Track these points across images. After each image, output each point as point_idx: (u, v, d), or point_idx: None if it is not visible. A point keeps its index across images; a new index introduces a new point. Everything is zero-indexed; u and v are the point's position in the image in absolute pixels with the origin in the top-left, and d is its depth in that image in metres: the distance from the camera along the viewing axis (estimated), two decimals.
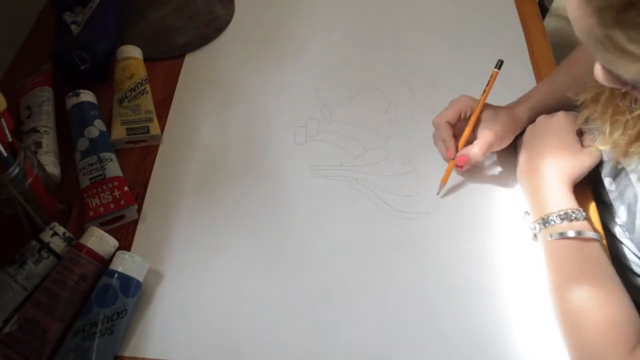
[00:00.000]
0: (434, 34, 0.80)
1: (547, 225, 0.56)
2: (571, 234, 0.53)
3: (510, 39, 0.79)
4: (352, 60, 0.78)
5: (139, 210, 0.63)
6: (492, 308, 0.55)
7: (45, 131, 0.66)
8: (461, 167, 0.62)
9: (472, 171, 0.65)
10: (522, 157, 0.62)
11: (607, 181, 0.60)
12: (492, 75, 0.62)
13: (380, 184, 0.65)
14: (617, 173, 0.58)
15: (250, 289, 0.57)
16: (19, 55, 0.80)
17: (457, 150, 0.62)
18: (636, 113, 0.47)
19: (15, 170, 0.52)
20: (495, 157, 0.67)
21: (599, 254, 0.53)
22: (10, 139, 0.52)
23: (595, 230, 0.55)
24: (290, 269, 0.59)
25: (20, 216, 0.57)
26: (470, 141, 0.62)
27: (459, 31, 0.81)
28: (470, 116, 0.62)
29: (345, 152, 0.68)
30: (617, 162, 0.56)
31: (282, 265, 0.59)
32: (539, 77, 0.74)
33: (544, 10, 1.53)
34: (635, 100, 0.47)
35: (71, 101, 0.67)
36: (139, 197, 0.64)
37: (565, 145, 0.59)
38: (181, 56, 0.79)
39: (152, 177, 0.66)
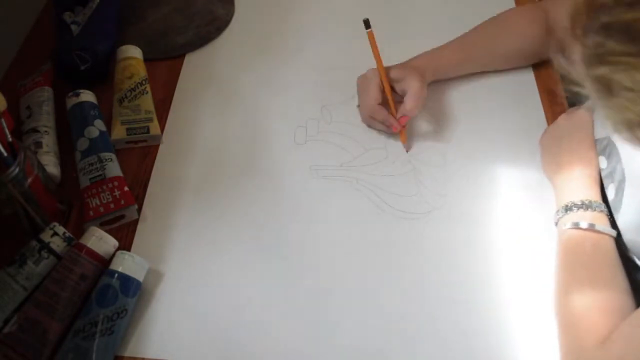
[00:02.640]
0: (434, 34, 0.80)
1: (568, 212, 0.56)
2: (584, 224, 0.54)
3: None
4: (352, 60, 0.78)
5: (139, 210, 0.63)
6: (492, 308, 0.55)
7: (46, 131, 0.66)
8: (404, 126, 0.66)
9: (471, 169, 0.65)
10: (549, 153, 0.63)
11: (600, 159, 0.60)
12: (369, 37, 0.66)
13: (380, 183, 0.65)
14: (611, 151, 0.59)
15: (250, 288, 0.57)
16: (19, 55, 0.80)
17: (395, 120, 0.66)
18: None
19: (15, 170, 0.52)
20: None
21: (608, 248, 0.53)
22: (10, 139, 0.52)
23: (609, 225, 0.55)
24: (290, 268, 0.59)
25: (20, 216, 0.57)
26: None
27: (459, 31, 0.80)
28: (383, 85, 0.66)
29: (345, 152, 0.68)
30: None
31: (282, 265, 0.59)
32: (539, 77, 0.74)
33: None
34: None
35: (71, 101, 0.67)
36: (139, 197, 0.64)
37: (591, 141, 0.60)
38: (181, 56, 0.79)
39: (152, 177, 0.66)
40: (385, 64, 0.70)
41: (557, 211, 0.58)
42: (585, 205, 0.55)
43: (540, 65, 0.76)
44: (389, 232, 0.61)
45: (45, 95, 0.69)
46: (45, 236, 0.56)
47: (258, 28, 0.83)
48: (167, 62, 0.78)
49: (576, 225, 0.54)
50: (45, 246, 0.55)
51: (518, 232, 0.60)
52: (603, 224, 0.54)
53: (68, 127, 0.67)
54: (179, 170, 0.67)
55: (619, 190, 0.55)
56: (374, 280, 0.57)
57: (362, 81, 0.69)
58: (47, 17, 0.83)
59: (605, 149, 0.60)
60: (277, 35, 0.82)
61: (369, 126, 0.70)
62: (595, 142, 0.62)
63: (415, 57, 0.70)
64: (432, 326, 0.54)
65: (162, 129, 0.71)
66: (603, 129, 0.60)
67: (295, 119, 0.71)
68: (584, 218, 0.54)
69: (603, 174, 0.59)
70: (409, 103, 0.64)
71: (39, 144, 0.64)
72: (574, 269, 0.53)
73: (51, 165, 0.63)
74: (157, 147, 0.69)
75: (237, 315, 0.56)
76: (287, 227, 0.62)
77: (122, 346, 0.53)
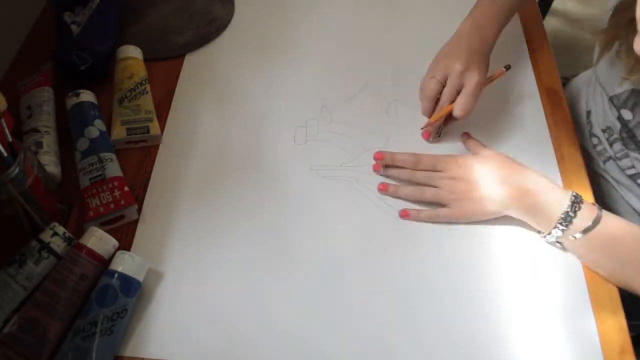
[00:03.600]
0: (434, 34, 0.80)
1: (568, 226, 0.54)
2: (590, 226, 0.53)
3: (510, 39, 0.79)
4: (352, 60, 0.78)
5: (139, 210, 0.63)
6: (493, 308, 0.55)
7: (46, 131, 0.66)
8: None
9: None
10: (495, 193, 0.58)
11: (624, 112, 0.61)
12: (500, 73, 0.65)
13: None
14: (635, 101, 0.59)
15: (250, 288, 0.57)
16: (19, 55, 0.80)
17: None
18: None
19: (15, 170, 0.52)
20: None
21: (620, 225, 0.54)
22: (10, 139, 0.52)
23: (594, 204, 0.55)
24: (290, 269, 0.59)
25: (20, 216, 0.57)
26: None
27: None
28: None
29: (346, 152, 0.68)
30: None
31: (282, 265, 0.59)
32: (539, 77, 0.74)
33: (544, 10, 1.53)
34: None
35: (71, 101, 0.67)
36: (139, 197, 0.64)
37: (510, 160, 0.60)
38: (181, 56, 0.79)
39: (152, 177, 0.66)
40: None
41: (555, 229, 0.55)
42: (577, 204, 0.54)
43: (540, 63, 0.76)
44: (389, 232, 0.61)
45: (45, 95, 0.69)
46: (45, 236, 0.56)
47: (258, 28, 0.83)
48: (167, 62, 0.78)
49: (588, 230, 0.53)
50: (45, 246, 0.55)
51: (518, 232, 0.60)
52: (595, 212, 0.54)
53: (68, 127, 0.67)
54: (179, 170, 0.67)
55: None
56: (373, 280, 0.58)
57: (445, 66, 0.64)
58: (47, 17, 0.83)
59: (626, 102, 0.60)
60: (277, 35, 0.82)
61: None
62: (611, 99, 0.63)
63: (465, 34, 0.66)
64: (432, 326, 0.54)
65: (162, 129, 0.71)
66: (622, 84, 0.61)
67: (295, 119, 0.71)
68: (584, 220, 0.54)
69: (631, 125, 0.60)
70: (459, 103, 0.61)
71: (39, 144, 0.64)
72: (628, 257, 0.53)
73: (51, 165, 0.63)
74: (157, 147, 0.69)
75: (237, 315, 0.56)
76: (287, 227, 0.62)
77: (122, 346, 0.53)
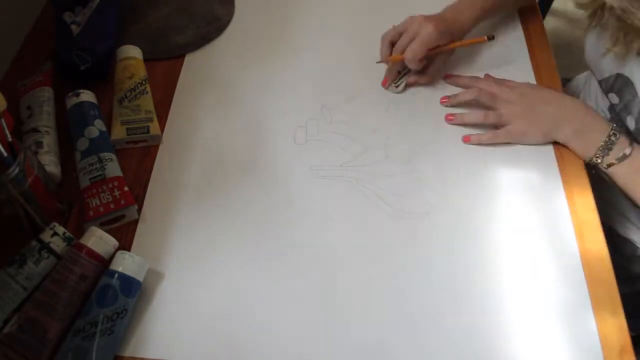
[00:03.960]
0: None
1: (609, 152, 0.60)
2: (628, 150, 0.59)
3: (510, 39, 0.79)
4: (352, 60, 0.78)
5: (139, 210, 0.63)
6: (494, 308, 0.55)
7: (46, 131, 0.66)
8: (417, 73, 0.71)
9: (471, 168, 0.65)
10: (538, 115, 0.64)
11: (611, 96, 0.65)
12: (479, 39, 0.70)
13: (380, 184, 0.65)
14: (621, 86, 0.63)
15: (250, 288, 0.57)
16: (19, 55, 0.80)
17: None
18: None
19: (15, 170, 0.52)
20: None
21: None
22: (10, 139, 0.52)
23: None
24: (291, 269, 0.59)
25: (20, 216, 0.57)
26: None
27: None
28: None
29: (345, 152, 0.68)
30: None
31: (282, 265, 0.59)
32: (539, 77, 0.74)
33: (544, 10, 1.53)
34: None
35: (71, 101, 0.67)
36: (139, 197, 0.64)
37: (556, 90, 0.66)
38: (181, 56, 0.79)
39: (152, 177, 0.66)
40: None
41: (596, 155, 0.61)
42: (612, 140, 0.59)
43: (540, 63, 0.76)
44: (389, 232, 0.61)
45: (45, 95, 0.69)
46: (45, 236, 0.56)
47: (258, 28, 0.83)
48: (167, 62, 0.78)
49: (624, 157, 0.59)
50: (45, 246, 0.55)
51: (518, 231, 0.60)
52: (630, 140, 0.60)
53: (68, 127, 0.67)
54: (179, 170, 0.67)
55: None
56: (373, 280, 0.57)
57: (410, 20, 0.69)
58: (47, 17, 0.83)
59: (612, 86, 0.64)
60: (277, 35, 0.82)
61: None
62: (600, 82, 0.66)
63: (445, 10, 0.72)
64: (432, 325, 0.54)
65: (162, 129, 0.71)
66: (615, 66, 0.64)
67: (295, 119, 0.71)
68: (624, 145, 0.59)
69: (617, 109, 0.64)
70: (409, 48, 0.67)
71: (39, 144, 0.64)
72: None
73: (52, 165, 0.63)
74: (157, 147, 0.69)
75: (237, 315, 0.56)
76: (287, 226, 0.62)
77: (122, 346, 0.53)
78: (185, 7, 0.83)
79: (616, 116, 0.65)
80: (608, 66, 0.65)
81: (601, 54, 0.65)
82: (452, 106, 0.70)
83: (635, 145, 0.60)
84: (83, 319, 0.51)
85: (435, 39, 0.67)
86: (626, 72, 0.62)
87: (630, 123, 0.62)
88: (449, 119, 0.69)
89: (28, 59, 0.79)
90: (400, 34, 0.69)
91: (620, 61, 0.63)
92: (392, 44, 0.70)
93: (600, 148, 0.60)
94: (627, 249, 0.73)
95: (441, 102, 0.70)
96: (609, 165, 0.61)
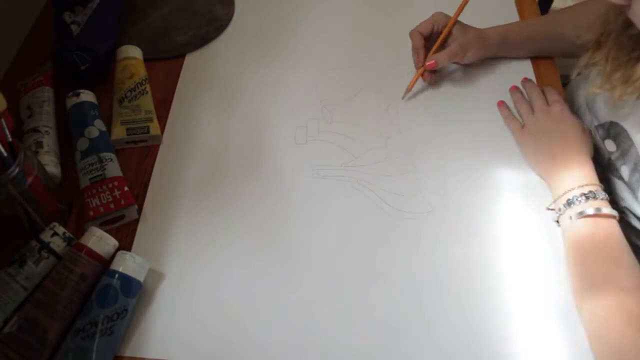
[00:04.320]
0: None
1: (572, 205, 0.57)
2: (590, 211, 0.55)
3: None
4: (352, 60, 0.78)
5: (139, 210, 0.63)
6: (493, 308, 0.55)
7: (46, 131, 0.66)
8: (431, 72, 0.72)
9: (471, 168, 0.65)
10: (537, 150, 0.64)
11: (607, 143, 0.62)
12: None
13: (380, 183, 0.65)
14: (617, 133, 0.60)
15: (250, 288, 0.57)
16: (19, 55, 0.80)
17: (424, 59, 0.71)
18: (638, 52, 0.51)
19: (15, 170, 0.52)
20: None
21: (615, 231, 0.55)
22: (10, 139, 0.52)
23: (612, 208, 0.56)
24: (291, 269, 0.59)
25: (20, 216, 0.57)
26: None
27: None
28: (442, 30, 0.71)
29: (346, 152, 0.68)
30: (610, 116, 0.61)
31: (283, 265, 0.59)
32: (539, 77, 0.74)
33: (544, 10, 1.53)
34: None
35: (71, 101, 0.67)
36: (139, 197, 0.64)
37: (575, 124, 0.63)
38: (181, 56, 0.79)
39: (152, 177, 0.66)
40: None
41: (557, 206, 0.58)
42: (592, 195, 0.56)
43: (540, 63, 0.76)
44: (389, 232, 0.61)
45: (45, 95, 0.69)
46: (45, 236, 0.56)
47: (258, 28, 0.83)
48: (167, 62, 0.78)
49: (582, 215, 0.55)
50: (45, 246, 0.55)
51: (518, 231, 0.60)
52: (606, 206, 0.55)
53: (68, 127, 0.66)
54: (179, 170, 0.67)
55: (635, 171, 0.57)
56: (373, 279, 0.57)
57: (431, 15, 0.72)
58: (47, 17, 0.83)
59: (609, 132, 0.62)
60: (277, 35, 0.82)
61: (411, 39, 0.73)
62: (597, 128, 0.64)
63: (488, 28, 0.73)
64: (433, 325, 0.54)
65: (162, 129, 0.71)
66: (607, 113, 0.62)
67: (295, 119, 0.71)
68: (592, 205, 0.55)
69: (613, 157, 0.61)
70: (442, 53, 0.69)
71: (39, 144, 0.64)
72: (597, 260, 0.53)
73: (52, 165, 0.63)
74: (157, 147, 0.69)
75: (237, 315, 0.56)
76: (288, 226, 0.62)
77: (122, 346, 0.53)
78: (185, 7, 0.83)
79: (611, 164, 0.62)
80: (602, 112, 0.64)
81: (592, 99, 0.65)
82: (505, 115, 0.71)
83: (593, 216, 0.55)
84: (83, 318, 0.51)
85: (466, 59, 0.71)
86: (619, 120, 0.60)
87: (625, 173, 0.59)
88: (500, 104, 0.71)
89: (28, 59, 0.79)
90: (432, 29, 0.71)
91: (613, 108, 0.61)
92: (424, 38, 0.72)
93: (566, 196, 0.58)
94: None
95: (499, 106, 0.71)
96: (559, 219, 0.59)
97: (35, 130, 0.65)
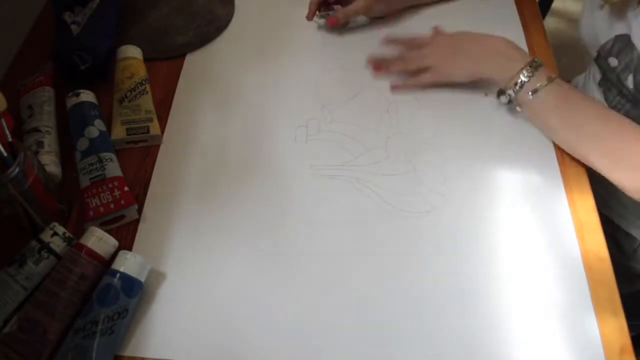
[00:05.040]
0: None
1: (521, 87, 0.60)
2: (543, 82, 0.58)
3: (510, 39, 0.79)
4: (352, 60, 0.78)
5: (139, 211, 0.63)
6: (494, 308, 0.55)
7: (47, 131, 0.66)
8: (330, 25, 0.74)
9: (471, 168, 0.65)
10: (464, 51, 0.66)
11: (611, 60, 0.65)
12: None
13: (381, 183, 0.65)
14: (620, 48, 0.63)
15: (251, 288, 0.57)
16: (19, 55, 0.80)
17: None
18: None
19: (15, 170, 0.52)
20: None
21: (577, 91, 0.58)
22: (10, 139, 0.52)
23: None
24: (291, 268, 0.59)
25: (20, 216, 0.57)
26: None
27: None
28: None
29: (346, 152, 0.68)
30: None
31: (283, 265, 0.59)
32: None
33: (544, 10, 1.53)
34: None
35: (71, 101, 0.67)
36: (139, 197, 0.64)
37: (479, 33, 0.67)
38: (181, 56, 0.79)
39: (152, 177, 0.66)
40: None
41: (508, 89, 0.61)
42: (536, 64, 0.59)
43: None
44: (390, 232, 0.61)
45: (46, 95, 0.69)
46: (45, 236, 0.56)
47: (258, 28, 0.83)
48: (167, 62, 0.78)
49: (540, 88, 0.58)
50: (45, 246, 0.55)
51: (519, 232, 0.60)
52: (552, 73, 0.59)
53: (68, 127, 0.67)
54: (179, 170, 0.67)
55: (637, 72, 0.60)
56: (374, 279, 0.57)
57: None
58: (47, 17, 0.83)
59: (610, 50, 0.64)
60: (277, 35, 0.82)
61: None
62: (599, 52, 0.67)
63: None
64: (433, 326, 0.54)
65: (162, 129, 0.71)
66: (605, 32, 0.65)
67: (295, 118, 0.71)
68: (539, 80, 0.58)
69: (617, 70, 0.64)
70: (340, 9, 0.72)
71: (40, 144, 0.64)
72: (583, 113, 0.57)
73: (52, 165, 0.63)
74: (157, 147, 0.69)
75: (237, 315, 0.56)
76: (288, 226, 0.62)
77: (122, 346, 0.53)
78: (185, 7, 0.83)
79: (618, 80, 0.65)
80: (604, 32, 0.66)
81: (597, 16, 0.66)
82: (399, 86, 0.72)
83: (555, 81, 0.59)
84: (84, 318, 0.51)
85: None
86: (624, 29, 0.62)
87: (630, 82, 0.62)
88: (375, 69, 0.72)
89: (28, 59, 0.79)
90: None
91: (616, 20, 0.63)
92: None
93: (516, 78, 0.60)
94: (628, 245, 0.73)
95: (392, 89, 0.72)
96: (522, 101, 0.61)
97: (36, 130, 0.65)
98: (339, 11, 0.72)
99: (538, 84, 0.59)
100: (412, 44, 0.71)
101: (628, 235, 0.73)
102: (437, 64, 0.67)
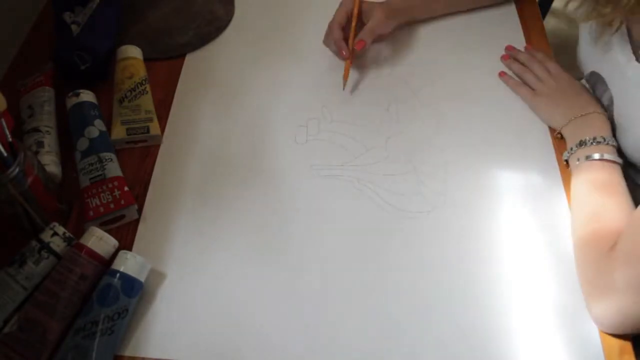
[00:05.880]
0: (434, 34, 0.80)
1: (583, 146, 0.62)
2: (597, 156, 0.60)
3: (510, 39, 0.79)
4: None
5: (139, 210, 0.63)
6: (494, 307, 0.55)
7: (47, 131, 0.66)
8: (351, 55, 0.73)
9: (471, 168, 0.65)
10: (555, 104, 0.68)
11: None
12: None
13: (381, 183, 0.65)
14: (595, 82, 0.66)
15: (251, 288, 0.57)
16: (19, 55, 0.80)
17: (348, 47, 0.72)
18: None
19: (15, 170, 0.52)
20: None
21: (617, 175, 0.59)
22: (10, 139, 0.52)
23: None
24: (291, 268, 0.59)
25: (20, 216, 0.57)
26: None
27: (459, 31, 0.81)
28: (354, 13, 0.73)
29: (346, 152, 0.68)
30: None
31: (283, 265, 0.59)
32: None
33: (544, 10, 1.53)
34: None
35: (71, 101, 0.67)
36: (139, 197, 0.64)
37: (582, 86, 0.69)
38: (181, 56, 0.79)
39: (152, 177, 0.66)
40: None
41: (570, 148, 0.63)
42: (602, 141, 0.61)
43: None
44: (390, 232, 0.61)
45: (46, 95, 0.69)
46: (45, 236, 0.56)
47: (258, 28, 0.83)
48: (167, 62, 0.78)
49: (590, 159, 0.60)
50: (45, 246, 0.55)
51: (519, 232, 0.60)
52: (611, 152, 0.60)
53: (68, 127, 0.66)
54: (179, 170, 0.67)
55: (607, 111, 0.64)
56: (375, 279, 0.57)
57: (338, 6, 0.74)
58: (47, 17, 0.83)
59: (588, 82, 0.69)
60: (277, 35, 0.82)
61: (327, 46, 0.75)
62: (586, 81, 0.70)
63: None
64: (433, 325, 0.54)
65: (162, 129, 0.70)
66: (587, 65, 0.69)
67: (296, 118, 0.71)
68: (598, 150, 0.60)
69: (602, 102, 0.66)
70: (363, 31, 0.71)
71: (40, 144, 0.64)
72: (596, 192, 0.58)
73: (52, 164, 0.63)
74: (157, 147, 0.69)
75: (237, 315, 0.56)
76: (288, 226, 0.62)
77: (122, 346, 0.53)
78: (185, 7, 0.83)
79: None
80: (587, 65, 0.69)
81: (585, 43, 0.69)
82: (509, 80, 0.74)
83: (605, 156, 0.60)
84: (84, 318, 0.51)
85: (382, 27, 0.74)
86: (597, 69, 0.66)
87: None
88: (502, 75, 0.74)
89: (28, 59, 0.79)
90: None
91: (594, 56, 0.67)
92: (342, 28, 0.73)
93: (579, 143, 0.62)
94: None
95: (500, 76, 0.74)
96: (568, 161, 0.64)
97: (36, 130, 0.65)
98: (362, 34, 0.72)
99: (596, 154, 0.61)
100: (534, 60, 0.74)
101: None
102: (543, 94, 0.70)
